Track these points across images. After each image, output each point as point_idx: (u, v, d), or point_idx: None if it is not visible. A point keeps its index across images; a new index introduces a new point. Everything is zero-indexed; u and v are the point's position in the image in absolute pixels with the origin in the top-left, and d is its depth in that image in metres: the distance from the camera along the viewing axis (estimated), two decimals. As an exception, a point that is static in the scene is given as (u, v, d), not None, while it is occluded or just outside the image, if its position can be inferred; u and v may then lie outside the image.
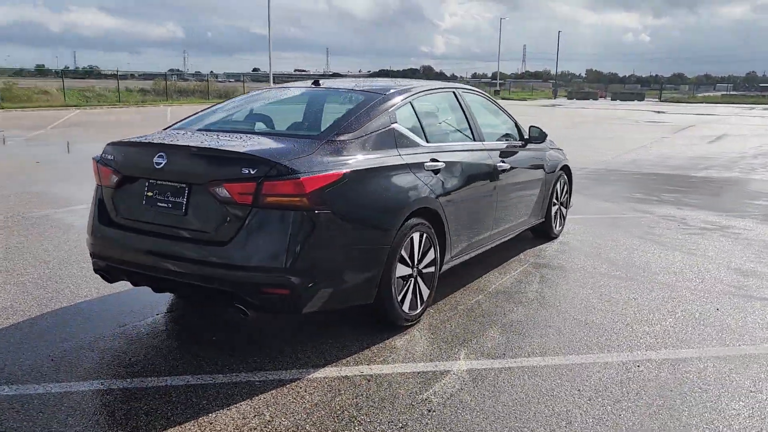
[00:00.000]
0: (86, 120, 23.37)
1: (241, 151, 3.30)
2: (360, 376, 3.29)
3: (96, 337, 3.72)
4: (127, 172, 3.63)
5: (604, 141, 17.90)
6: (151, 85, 52.11)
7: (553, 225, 6.22)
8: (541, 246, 6.05)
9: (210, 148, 3.40)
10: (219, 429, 2.76)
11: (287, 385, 3.17)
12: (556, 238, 6.31)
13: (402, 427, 2.80)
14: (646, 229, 6.90)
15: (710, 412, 2.99)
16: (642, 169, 11.86)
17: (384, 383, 3.21)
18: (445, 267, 4.39)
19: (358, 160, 3.57)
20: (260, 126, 4.12)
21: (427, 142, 4.25)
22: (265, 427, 2.79)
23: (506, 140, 5.42)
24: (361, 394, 3.09)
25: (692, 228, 6.95)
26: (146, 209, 3.54)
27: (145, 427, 2.76)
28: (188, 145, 3.48)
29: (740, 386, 3.26)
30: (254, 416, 2.87)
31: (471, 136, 4.81)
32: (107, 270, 3.73)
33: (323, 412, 2.91)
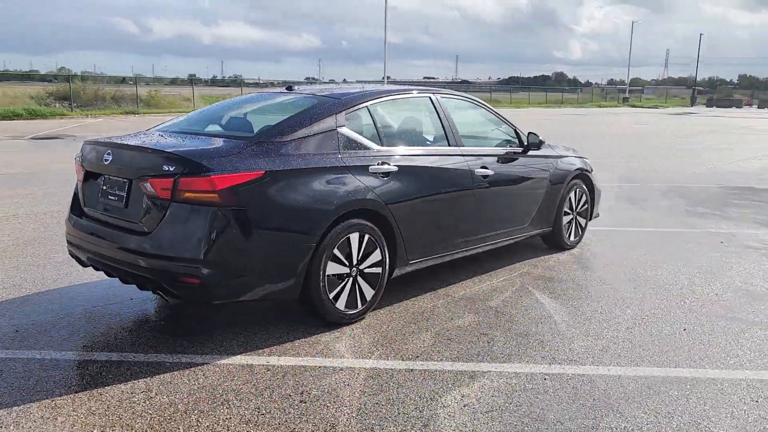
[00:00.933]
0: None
1: (165, 150, 3.60)
2: (263, 365, 3.46)
3: (64, 315, 4.16)
4: (89, 168, 4.06)
5: (711, 152, 16.66)
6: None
7: (564, 235, 6.02)
8: (545, 256, 5.89)
9: (141, 146, 3.73)
10: (104, 399, 3.05)
11: (191, 368, 3.42)
12: (570, 248, 6.11)
13: (263, 414, 2.94)
14: (679, 244, 6.48)
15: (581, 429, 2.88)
16: (730, 183, 10.99)
17: (279, 374, 3.37)
18: (403, 270, 4.45)
19: (284, 160, 3.75)
20: (213, 128, 4.39)
21: (382, 146, 4.34)
22: (145, 402, 3.04)
23: (500, 147, 5.36)
24: (250, 382, 3.27)
25: (733, 246, 6.43)
26: (101, 201, 3.95)
27: (46, 392, 3.10)
28: (127, 144, 3.83)
29: (626, 407, 3.08)
30: (142, 392, 3.14)
31: (445, 142, 4.82)
32: (77, 256, 4.18)
33: (203, 394, 3.13)
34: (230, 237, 3.50)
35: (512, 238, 5.49)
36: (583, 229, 6.32)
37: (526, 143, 5.53)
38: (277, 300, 3.89)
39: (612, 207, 8.36)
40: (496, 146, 5.40)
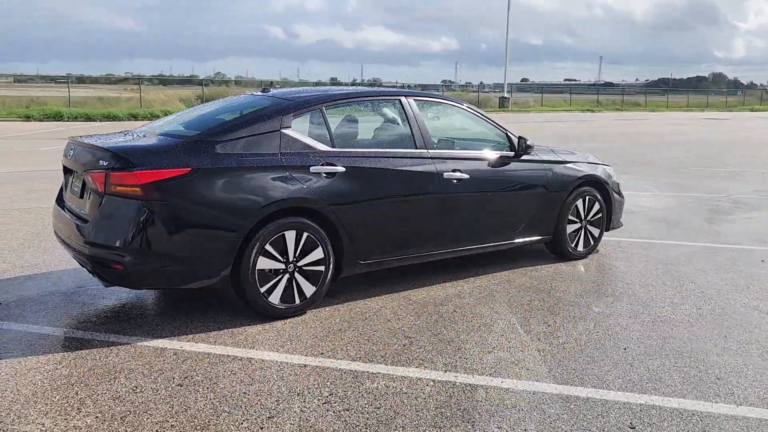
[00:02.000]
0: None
1: (103, 147, 3.96)
2: (174, 350, 3.72)
3: (48, 293, 4.66)
4: (64, 163, 4.54)
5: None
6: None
7: (568, 244, 5.76)
8: (545, 265, 5.69)
9: (90, 144, 4.11)
10: (18, 367, 3.44)
11: (110, 347, 3.74)
12: (577, 258, 5.83)
13: (137, 393, 3.18)
14: (695, 258, 5.97)
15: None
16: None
17: (182, 358, 3.60)
18: (355, 270, 4.56)
19: (216, 159, 3.98)
20: (176, 128, 4.63)
21: (333, 147, 4.44)
22: (48, 372, 3.39)
23: (482, 151, 5.28)
24: (150, 363, 3.53)
25: (752, 261, 5.82)
26: (70, 193, 4.40)
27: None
28: (83, 142, 4.23)
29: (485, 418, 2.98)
30: (53, 363, 3.50)
31: (412, 144, 4.82)
32: (60, 242, 4.68)
33: (101, 370, 3.43)
34: (153, 228, 3.78)
35: (499, 245, 5.35)
36: (596, 239, 5.99)
37: (516, 148, 5.37)
38: (210, 289, 4.12)
39: (667, 219, 7.80)
40: (479, 150, 5.30)
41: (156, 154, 3.89)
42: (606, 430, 2.91)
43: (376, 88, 5.14)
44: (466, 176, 4.96)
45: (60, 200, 4.67)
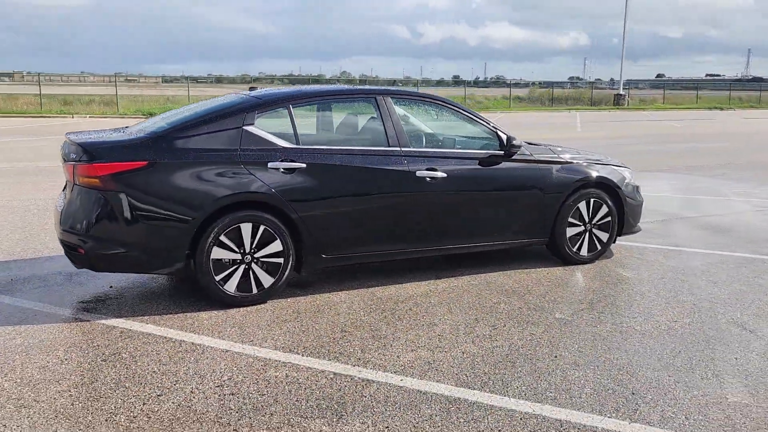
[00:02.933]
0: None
1: (76, 141, 4.35)
2: (121, 329, 4.04)
3: (55, 273, 5.18)
4: (62, 156, 5.01)
5: None
6: (527, 93, 54.65)
7: (569, 248, 5.55)
8: (541, 268, 5.51)
9: (71, 139, 4.52)
10: (-16, 335, 3.91)
11: (70, 323, 4.13)
12: (581, 263, 5.60)
13: (63, 363, 3.52)
14: (716, 269, 5.52)
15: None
16: None
17: (122, 337, 3.90)
18: (319, 265, 4.70)
19: (174, 153, 4.26)
20: (157, 125, 4.88)
21: (297, 144, 4.60)
22: (3, 341, 3.82)
23: (467, 150, 5.22)
24: (90, 340, 3.86)
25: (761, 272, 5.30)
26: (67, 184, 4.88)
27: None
28: (68, 138, 4.64)
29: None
30: (13, 333, 3.93)
31: (385, 142, 4.87)
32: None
33: (47, 343, 3.80)
34: (111, 216, 4.12)
35: (486, 245, 5.26)
36: (605, 244, 5.71)
37: (513, 147, 5.21)
38: (167, 275, 4.41)
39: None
40: (461, 149, 5.24)
41: (117, 149, 4.22)
42: (474, 428, 2.86)
43: (353, 87, 5.20)
44: (442, 175, 4.92)
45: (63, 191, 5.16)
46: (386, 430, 2.89)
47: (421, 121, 5.50)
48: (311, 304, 4.54)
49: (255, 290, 4.46)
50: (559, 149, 5.69)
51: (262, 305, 4.51)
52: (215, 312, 4.35)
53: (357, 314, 4.35)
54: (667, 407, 3.12)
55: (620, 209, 5.76)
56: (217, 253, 4.32)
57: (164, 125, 4.56)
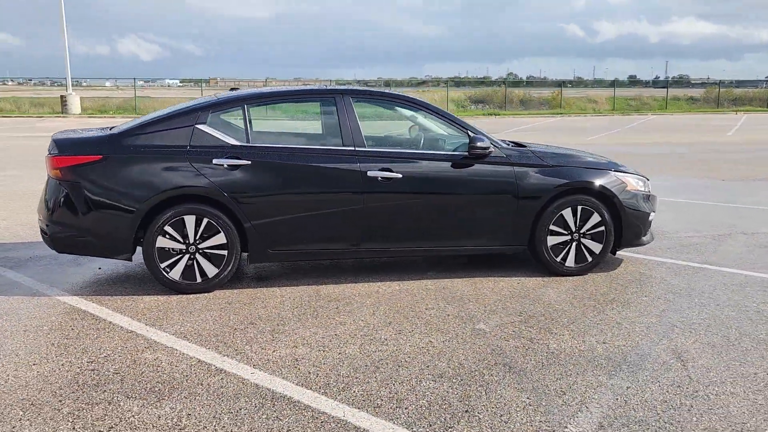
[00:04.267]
0: (557, 126, 25.40)
1: (53, 137, 4.90)
2: (70, 305, 4.50)
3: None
4: None
5: None
6: (702, 94, 50.64)
7: (551, 258, 5.20)
8: (511, 277, 5.23)
9: (52, 136, 5.08)
10: (-39, 301, 4.58)
11: (32, 296, 4.68)
12: (566, 275, 5.24)
13: (-8, 330, 4.05)
14: (721, 291, 4.85)
15: None
16: None
17: (65, 311, 4.36)
18: (265, 259, 4.87)
19: (128, 149, 4.66)
20: (128, 124, 5.23)
21: (247, 142, 4.82)
22: (-29, 307, 4.46)
23: (431, 151, 5.12)
24: (37, 312, 4.35)
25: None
26: None
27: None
28: (52, 135, 5.19)
29: None
30: (-18, 302, 4.56)
31: (339, 141, 4.92)
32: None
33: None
34: (68, 204, 4.62)
35: (449, 249, 5.11)
36: (597, 256, 5.27)
37: (475, 150, 5.00)
38: (120, 260, 4.83)
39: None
40: (423, 150, 5.12)
41: (79, 145, 4.71)
42: (265, 425, 2.88)
43: (315, 87, 5.27)
44: (397, 176, 4.86)
45: None
46: (188, 415, 2.99)
47: (391, 121, 5.45)
48: (250, 296, 4.71)
49: (199, 279, 4.73)
50: (550, 151, 5.34)
51: (208, 294, 4.75)
52: (159, 297, 4.68)
53: (280, 309, 4.45)
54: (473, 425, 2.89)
55: (617, 219, 5.27)
56: (161, 242, 4.64)
57: (132, 124, 4.98)
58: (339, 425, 2.92)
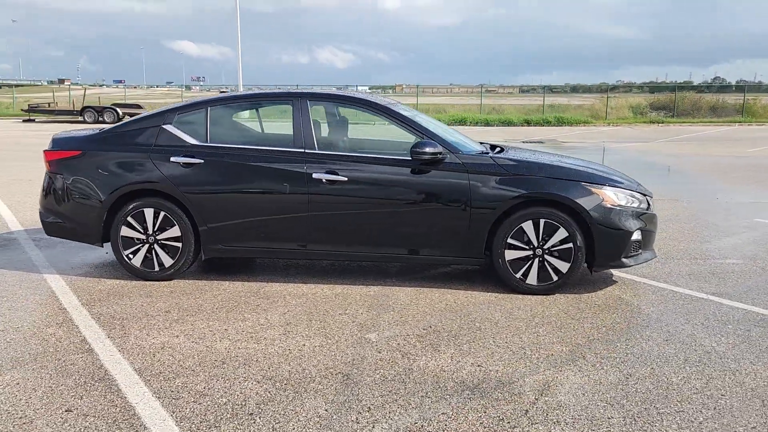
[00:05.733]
0: (721, 135, 22.95)
1: (53, 136, 5.57)
2: (44, 280, 5.13)
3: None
4: None
5: None
6: None
7: (510, 274, 4.84)
8: (463, 290, 5.00)
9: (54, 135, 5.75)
10: (-28, 272, 5.41)
11: (24, 271, 5.39)
12: (525, 292, 4.89)
13: (-35, 297, 4.76)
14: (697, 323, 4.22)
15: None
16: None
17: (36, 284, 5.00)
18: (216, 253, 5.10)
19: (102, 145, 5.20)
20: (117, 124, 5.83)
21: (206, 142, 5.13)
22: (-27, 277, 5.26)
23: (376, 156, 5.06)
24: (14, 282, 5.03)
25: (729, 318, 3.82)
26: None
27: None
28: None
29: None
30: (-14, 274, 5.35)
31: (291, 144, 5.04)
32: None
33: (-12, 282, 5.11)
34: (53, 193, 5.25)
35: (401, 256, 4.98)
36: (563, 275, 4.83)
37: (419, 154, 4.83)
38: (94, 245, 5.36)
39: None
40: (372, 154, 5.05)
41: (66, 141, 5.31)
42: (71, 400, 3.13)
43: (276, 91, 5.39)
44: (342, 179, 4.87)
45: None
46: (26, 385, 3.31)
47: (353, 124, 5.43)
48: (196, 287, 4.98)
49: (157, 268, 5.10)
50: (522, 159, 5.00)
51: (167, 281, 5.11)
52: (122, 282, 5.11)
53: (209, 301, 4.66)
54: (241, 433, 2.87)
55: (588, 236, 4.79)
56: (125, 231, 5.08)
57: (117, 124, 5.51)
58: (122, 410, 3.05)
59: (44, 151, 5.32)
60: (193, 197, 4.95)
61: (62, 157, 5.19)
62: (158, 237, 5.04)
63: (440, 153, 4.79)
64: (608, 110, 30.51)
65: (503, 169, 4.84)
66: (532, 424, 2.97)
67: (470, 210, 4.79)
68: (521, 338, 4.01)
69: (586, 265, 4.93)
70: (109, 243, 5.16)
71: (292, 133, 5.03)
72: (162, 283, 5.07)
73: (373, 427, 2.92)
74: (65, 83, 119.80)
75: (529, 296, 4.83)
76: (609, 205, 4.78)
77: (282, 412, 3.05)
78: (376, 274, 5.35)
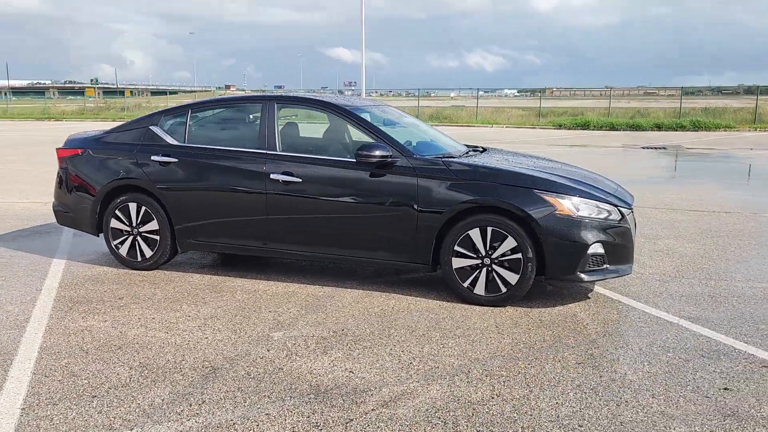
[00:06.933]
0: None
1: (69, 135, 6.19)
2: (46, 263, 5.75)
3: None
4: None
5: None
6: None
7: (457, 282, 4.64)
8: (409, 296, 4.92)
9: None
10: None
11: (23, 252, 6.05)
12: (474, 303, 4.71)
13: (-25, 275, 5.46)
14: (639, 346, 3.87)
15: None
16: None
17: (21, 263, 5.62)
18: (192, 247, 5.41)
19: (99, 144, 5.71)
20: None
21: (184, 142, 5.48)
22: (-2, 259, 6.00)
23: (330, 157, 5.11)
24: (12, 263, 5.69)
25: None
26: None
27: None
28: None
29: None
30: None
31: (255, 144, 5.24)
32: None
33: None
34: (61, 186, 5.86)
35: (355, 258, 4.97)
36: (513, 287, 4.58)
37: (363, 157, 4.80)
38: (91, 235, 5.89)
39: None
40: (328, 156, 5.09)
41: (73, 141, 5.88)
42: None
43: (251, 94, 5.55)
44: (297, 180, 4.98)
45: None
46: (-60, 353, 3.78)
47: (322, 125, 5.48)
48: (165, 277, 5.32)
49: (139, 258, 5.52)
50: (477, 164, 4.82)
51: (148, 271, 5.51)
52: (111, 269, 5.58)
53: (168, 291, 4.95)
54: None
55: (540, 246, 4.52)
56: (114, 223, 5.55)
57: (118, 125, 6.02)
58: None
59: (56, 149, 5.92)
60: (167, 194, 5.28)
61: (68, 154, 5.75)
62: (140, 230, 5.42)
63: (389, 156, 4.73)
64: (757, 114, 27.58)
65: (454, 174, 4.68)
66: (331, 427, 2.89)
67: (417, 214, 4.68)
68: (422, 349, 3.87)
69: (544, 277, 4.62)
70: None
71: (257, 134, 5.20)
72: (144, 272, 5.44)
73: (188, 419, 2.99)
74: (231, 89, 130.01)
75: (477, 307, 4.61)
76: (563, 215, 4.45)
77: (122, 398, 3.21)
78: (345, 275, 5.38)
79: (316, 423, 2.98)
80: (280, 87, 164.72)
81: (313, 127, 5.61)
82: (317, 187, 4.91)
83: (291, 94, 5.72)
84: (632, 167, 13.90)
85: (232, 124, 5.63)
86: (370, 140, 4.94)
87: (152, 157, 5.36)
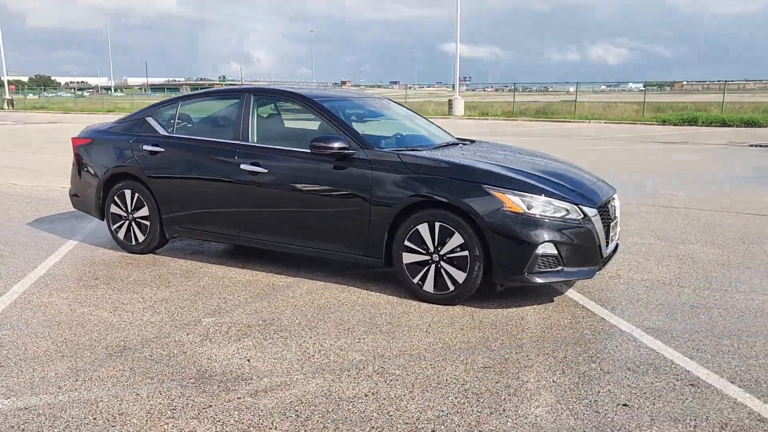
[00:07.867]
0: None
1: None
2: (56, 243, 6.24)
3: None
4: None
5: None
6: None
7: (408, 278, 4.55)
8: (362, 290, 4.89)
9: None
10: None
11: (52, 234, 6.57)
12: (423, 300, 4.63)
13: (-7, 252, 6.04)
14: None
15: None
16: None
17: (43, 239, 6.12)
18: (175, 233, 5.63)
19: (104, 135, 6.11)
20: None
21: (173, 133, 5.75)
22: None
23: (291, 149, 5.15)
24: (21, 242, 6.22)
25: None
26: None
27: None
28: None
29: None
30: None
31: (231, 135, 5.39)
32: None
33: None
34: (74, 173, 6.32)
35: (316, 250, 4.98)
36: (460, 286, 4.45)
37: (318, 148, 4.80)
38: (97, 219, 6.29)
39: None
40: (286, 147, 5.13)
41: (85, 131, 6.32)
42: None
43: (233, 87, 5.65)
44: (263, 170, 5.09)
45: None
46: None
47: (296, 117, 5.52)
48: (150, 261, 5.60)
49: (134, 242, 5.86)
50: (429, 157, 4.68)
51: (141, 255, 5.84)
52: (112, 252, 5.97)
53: (143, 274, 5.22)
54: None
55: (484, 243, 4.35)
56: (113, 209, 5.92)
57: (122, 117, 6.40)
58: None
59: (72, 138, 6.37)
60: (155, 181, 5.55)
61: (79, 143, 6.18)
62: (135, 215, 5.74)
63: (345, 148, 4.71)
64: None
65: (406, 167, 4.58)
66: (185, 411, 2.94)
67: (370, 208, 4.63)
68: (335, 343, 3.84)
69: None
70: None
71: (235, 125, 5.34)
72: (138, 255, 5.76)
73: (64, 394, 3.16)
74: (346, 84, 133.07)
75: (423, 305, 4.50)
76: (511, 212, 4.24)
77: (23, 369, 3.44)
78: (319, 267, 5.41)
79: (175, 407, 3.05)
80: (395, 83, 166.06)
81: (308, 122, 5.64)
82: (280, 177, 4.97)
83: (266, 87, 5.80)
84: (723, 165, 12.82)
85: (214, 115, 5.81)
86: (335, 132, 4.92)
87: (144, 147, 5.64)
